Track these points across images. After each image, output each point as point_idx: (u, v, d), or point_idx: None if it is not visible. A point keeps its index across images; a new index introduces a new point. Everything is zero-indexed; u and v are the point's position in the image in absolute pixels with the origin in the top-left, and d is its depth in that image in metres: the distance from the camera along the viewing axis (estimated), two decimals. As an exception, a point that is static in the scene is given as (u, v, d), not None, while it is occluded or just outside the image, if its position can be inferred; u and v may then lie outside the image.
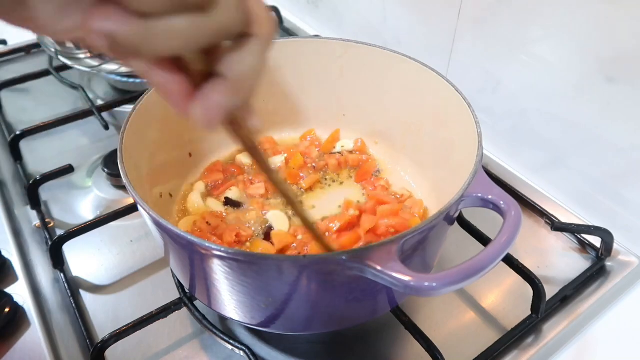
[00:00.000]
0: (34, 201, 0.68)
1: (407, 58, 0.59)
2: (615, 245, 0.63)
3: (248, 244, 0.56)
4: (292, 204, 0.41)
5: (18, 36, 1.00)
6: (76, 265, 0.62)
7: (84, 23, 0.25)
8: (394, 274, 0.35)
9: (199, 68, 0.28)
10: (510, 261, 0.57)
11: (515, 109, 0.72)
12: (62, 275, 0.59)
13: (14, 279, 0.60)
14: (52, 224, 0.67)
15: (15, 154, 0.76)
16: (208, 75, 0.29)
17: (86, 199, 0.71)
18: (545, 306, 0.55)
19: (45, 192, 0.71)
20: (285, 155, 0.66)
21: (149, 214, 0.41)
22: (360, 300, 0.44)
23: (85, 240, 0.62)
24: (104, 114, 0.80)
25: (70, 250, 0.62)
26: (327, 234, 0.56)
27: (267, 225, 0.58)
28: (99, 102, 0.87)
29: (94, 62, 0.81)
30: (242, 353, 0.50)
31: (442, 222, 0.42)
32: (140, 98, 0.53)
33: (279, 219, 0.58)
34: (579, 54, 0.60)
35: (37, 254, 0.64)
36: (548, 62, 0.64)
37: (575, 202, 0.69)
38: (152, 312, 0.53)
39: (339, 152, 0.67)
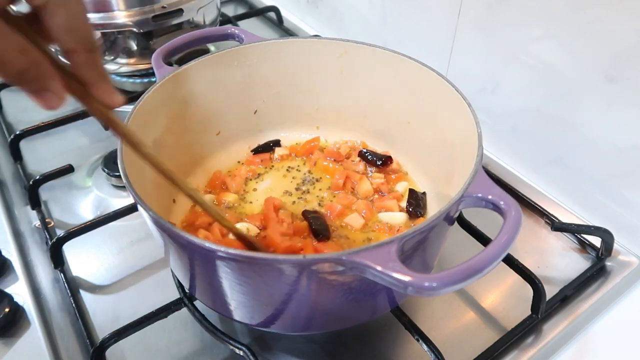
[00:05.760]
0: (34, 201, 0.68)
1: (407, 58, 0.59)
2: (615, 245, 0.63)
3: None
4: (175, 182, 0.44)
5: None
6: (76, 265, 0.62)
7: None
8: (394, 274, 0.35)
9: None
10: (510, 261, 0.57)
11: (515, 109, 0.72)
12: (62, 275, 0.59)
13: (14, 279, 0.60)
14: (52, 224, 0.67)
15: (15, 154, 0.76)
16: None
17: (86, 199, 0.71)
18: (545, 306, 0.55)
19: (45, 192, 0.71)
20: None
21: (148, 214, 0.41)
22: (360, 300, 0.44)
23: (85, 240, 0.62)
24: (104, 114, 0.80)
25: (70, 250, 0.62)
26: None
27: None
28: (99, 102, 0.86)
29: (94, 62, 0.81)
30: (242, 353, 0.50)
31: (442, 222, 0.42)
32: (140, 98, 0.53)
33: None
34: (579, 54, 0.60)
35: (37, 254, 0.64)
36: (548, 62, 0.64)
37: (575, 202, 0.69)
38: (152, 312, 0.53)
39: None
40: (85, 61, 0.34)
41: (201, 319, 0.52)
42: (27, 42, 0.31)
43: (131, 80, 0.87)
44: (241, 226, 0.56)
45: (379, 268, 0.35)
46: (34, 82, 0.32)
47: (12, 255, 0.62)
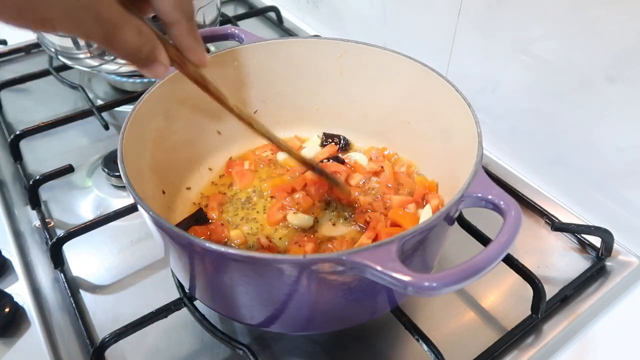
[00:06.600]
0: (34, 201, 0.68)
1: (407, 58, 0.59)
2: (615, 245, 0.63)
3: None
4: (253, 127, 0.50)
5: (18, 36, 1.00)
6: (76, 265, 0.62)
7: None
8: (394, 274, 0.35)
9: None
10: (510, 261, 0.57)
11: (515, 109, 0.72)
12: (62, 275, 0.59)
13: (14, 279, 0.60)
14: (52, 224, 0.67)
15: (15, 154, 0.76)
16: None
17: (86, 199, 0.71)
18: (545, 306, 0.55)
19: (45, 192, 0.71)
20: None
21: (148, 214, 0.41)
22: (360, 300, 0.44)
23: (85, 240, 0.62)
24: (104, 114, 0.80)
25: (70, 250, 0.62)
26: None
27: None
28: (99, 102, 0.87)
29: (94, 62, 0.81)
30: (242, 353, 0.50)
31: (442, 222, 0.42)
32: (140, 98, 0.53)
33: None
34: (579, 54, 0.60)
35: (37, 254, 0.64)
36: (548, 62, 0.64)
37: (575, 202, 0.69)
38: (152, 312, 0.53)
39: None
40: (185, 30, 0.39)
41: (201, 319, 0.53)
42: (140, 21, 0.35)
43: (131, 80, 0.87)
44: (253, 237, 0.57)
45: (379, 268, 0.35)
46: (146, 57, 0.37)
47: (12, 255, 0.62)
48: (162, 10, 0.38)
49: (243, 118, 0.49)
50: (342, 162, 0.65)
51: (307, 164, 0.56)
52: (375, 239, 0.54)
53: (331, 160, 0.64)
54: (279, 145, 0.52)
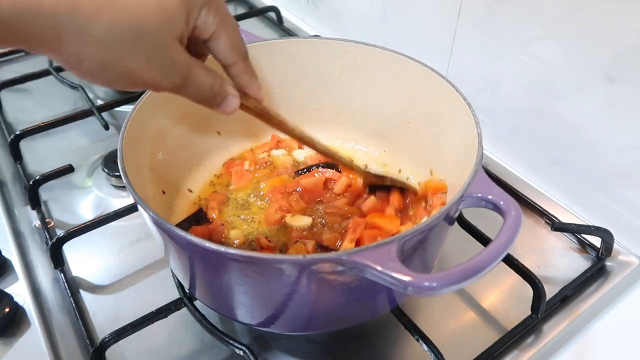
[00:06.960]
0: (34, 201, 0.68)
1: (407, 58, 0.59)
2: (615, 245, 0.63)
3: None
4: (316, 147, 0.53)
5: (18, 36, 1.00)
6: (76, 265, 0.62)
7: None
8: (394, 274, 0.35)
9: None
10: (510, 261, 0.57)
11: (515, 109, 0.72)
12: (62, 275, 0.59)
13: (14, 279, 0.60)
14: (52, 224, 0.67)
15: (15, 154, 0.76)
16: None
17: (86, 199, 0.71)
18: (545, 306, 0.55)
19: (45, 192, 0.71)
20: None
21: (148, 214, 0.41)
22: (360, 300, 0.44)
23: (85, 240, 0.62)
24: (104, 114, 0.80)
25: (70, 250, 0.62)
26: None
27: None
28: (99, 102, 0.87)
29: (94, 62, 0.81)
30: (242, 353, 0.50)
31: (442, 222, 0.42)
32: (140, 98, 0.53)
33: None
34: (579, 53, 0.60)
35: (37, 254, 0.64)
36: (548, 62, 0.64)
37: (575, 202, 0.69)
38: (152, 312, 0.53)
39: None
40: (243, 69, 0.42)
41: (201, 319, 0.52)
42: (203, 63, 0.38)
43: (131, 80, 0.87)
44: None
45: (379, 268, 0.35)
46: (218, 92, 0.39)
47: (12, 255, 0.62)
48: (220, 53, 0.40)
49: (306, 141, 0.51)
50: (334, 166, 0.64)
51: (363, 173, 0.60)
52: (357, 242, 0.54)
53: (321, 167, 0.64)
54: (341, 162, 0.56)
